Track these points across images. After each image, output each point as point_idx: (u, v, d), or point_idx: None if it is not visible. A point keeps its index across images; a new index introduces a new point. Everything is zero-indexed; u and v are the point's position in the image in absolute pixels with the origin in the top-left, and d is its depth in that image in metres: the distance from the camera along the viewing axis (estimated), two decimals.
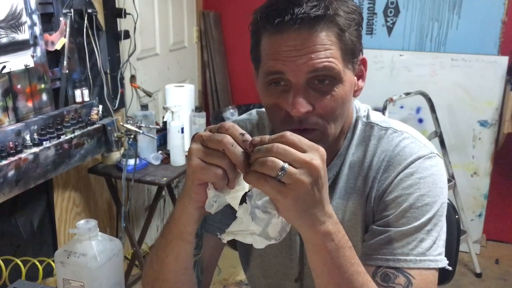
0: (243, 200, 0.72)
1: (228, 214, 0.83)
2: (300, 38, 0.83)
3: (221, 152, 0.69)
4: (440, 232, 0.91)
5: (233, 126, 0.70)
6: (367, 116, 1.01)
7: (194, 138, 0.73)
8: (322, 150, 0.70)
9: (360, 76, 0.95)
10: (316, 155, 0.69)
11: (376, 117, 1.02)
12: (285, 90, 0.87)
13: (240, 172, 0.70)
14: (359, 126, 1.00)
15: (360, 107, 1.03)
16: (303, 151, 0.68)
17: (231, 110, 3.18)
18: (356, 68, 0.92)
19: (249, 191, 0.72)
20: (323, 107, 0.86)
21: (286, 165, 0.66)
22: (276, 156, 0.67)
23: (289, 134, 0.69)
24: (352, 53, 0.89)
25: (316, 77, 0.85)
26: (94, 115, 2.17)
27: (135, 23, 2.59)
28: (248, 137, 0.69)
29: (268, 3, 0.87)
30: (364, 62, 0.95)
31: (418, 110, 3.04)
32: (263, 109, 1.07)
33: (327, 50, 0.84)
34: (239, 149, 0.68)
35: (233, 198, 0.74)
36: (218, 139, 0.69)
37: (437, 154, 0.96)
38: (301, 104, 0.84)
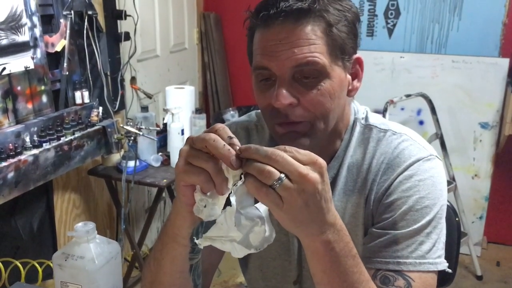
0: (227, 204, 0.69)
1: None
2: (284, 31, 0.84)
3: (206, 155, 0.67)
4: (439, 235, 0.90)
5: (223, 128, 0.68)
6: (366, 118, 1.01)
7: (187, 140, 0.72)
8: (320, 161, 0.66)
9: (355, 76, 0.94)
10: (314, 167, 0.66)
11: (375, 119, 1.01)
12: (272, 85, 0.87)
13: (227, 177, 0.67)
14: (357, 128, 0.99)
15: (359, 108, 1.02)
16: (301, 163, 0.65)
17: (232, 112, 3.18)
18: (347, 66, 0.91)
19: (234, 184, 0.67)
20: (309, 101, 0.86)
21: (283, 175, 0.64)
22: (274, 163, 0.64)
23: (287, 147, 0.66)
24: (341, 50, 0.88)
25: (301, 71, 0.85)
26: (94, 117, 2.17)
27: (136, 25, 2.59)
28: (236, 141, 0.67)
29: None
30: (359, 62, 0.94)
31: (418, 112, 3.03)
32: None
33: (311, 45, 0.84)
34: (221, 143, 0.65)
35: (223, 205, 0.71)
36: (203, 137, 0.67)
37: (436, 156, 0.96)
38: (283, 96, 0.84)
